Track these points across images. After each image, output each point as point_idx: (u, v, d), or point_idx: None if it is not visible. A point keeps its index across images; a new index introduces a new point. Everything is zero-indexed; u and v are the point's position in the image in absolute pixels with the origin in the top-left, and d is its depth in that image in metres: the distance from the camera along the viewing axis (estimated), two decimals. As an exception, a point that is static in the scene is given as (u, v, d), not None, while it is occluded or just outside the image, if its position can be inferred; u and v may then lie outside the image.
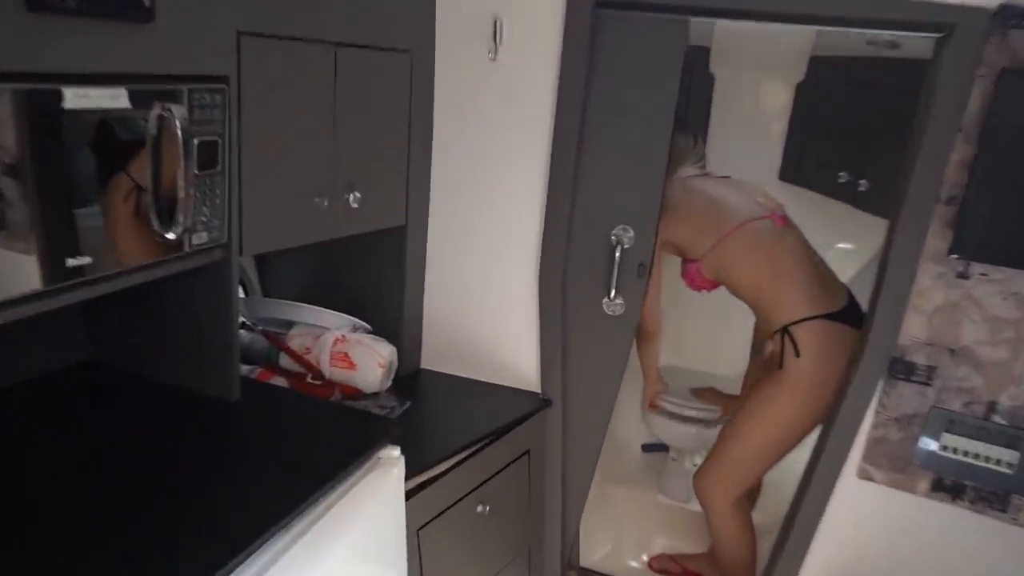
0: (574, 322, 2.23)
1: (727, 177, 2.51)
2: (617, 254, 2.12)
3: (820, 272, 2.29)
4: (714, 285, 2.41)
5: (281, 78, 1.59)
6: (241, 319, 2.11)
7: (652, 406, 2.76)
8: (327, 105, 1.73)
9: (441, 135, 2.14)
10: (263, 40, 1.53)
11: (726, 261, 2.30)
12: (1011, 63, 1.64)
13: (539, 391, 2.28)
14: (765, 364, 2.50)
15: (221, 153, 1.46)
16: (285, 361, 2.04)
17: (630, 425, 3.16)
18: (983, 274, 1.79)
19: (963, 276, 1.81)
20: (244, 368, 1.92)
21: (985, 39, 1.65)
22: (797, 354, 2.20)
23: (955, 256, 1.77)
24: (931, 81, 1.76)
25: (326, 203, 1.77)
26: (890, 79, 2.73)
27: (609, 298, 2.17)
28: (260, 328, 2.07)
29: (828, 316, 2.20)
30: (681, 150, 2.41)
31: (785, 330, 2.22)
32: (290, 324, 2.11)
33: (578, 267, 2.18)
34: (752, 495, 2.68)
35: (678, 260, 2.45)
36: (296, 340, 2.06)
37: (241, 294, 2.22)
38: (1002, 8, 1.63)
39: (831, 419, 2.06)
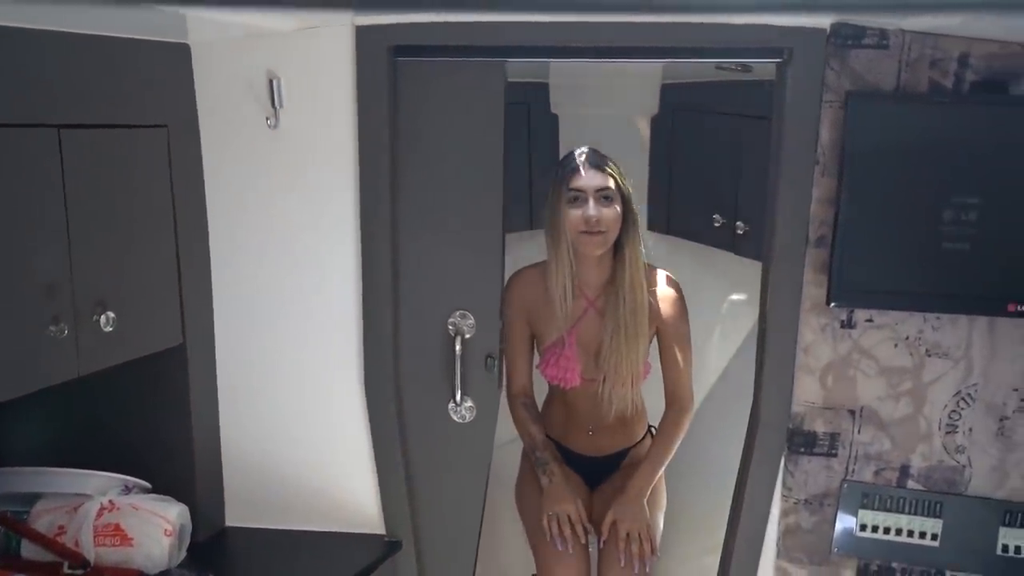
0: (417, 437, 2.23)
1: None
2: (458, 347, 2.15)
3: None
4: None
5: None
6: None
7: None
8: (55, 205, 1.68)
9: (220, 226, 2.13)
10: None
11: None
12: (855, 85, 1.85)
13: (383, 532, 2.25)
14: None
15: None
16: (29, 550, 1.91)
17: (514, 549, 3.14)
18: (869, 320, 1.96)
19: (848, 325, 1.97)
20: (-32, 569, 1.77)
21: (824, 61, 1.86)
22: None
23: (835, 305, 1.93)
24: (779, 110, 1.95)
25: (66, 331, 1.70)
26: (749, 105, 2.99)
27: (456, 402, 2.19)
28: (-9, 509, 1.93)
29: None
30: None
31: None
32: (34, 498, 1.98)
33: (412, 369, 2.19)
34: None
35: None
36: (44, 518, 1.93)
37: (-40, 465, 2.07)
38: (835, 28, 1.84)
39: (734, 513, 2.15)
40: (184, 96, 2.03)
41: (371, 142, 2.05)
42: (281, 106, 2.03)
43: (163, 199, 1.97)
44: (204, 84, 2.05)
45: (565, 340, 2.40)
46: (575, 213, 2.28)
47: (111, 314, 1.78)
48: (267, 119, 2.04)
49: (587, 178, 2.28)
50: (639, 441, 2.61)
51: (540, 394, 2.61)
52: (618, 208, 2.30)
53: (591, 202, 2.27)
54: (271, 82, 2.02)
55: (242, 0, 1.78)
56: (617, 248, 2.34)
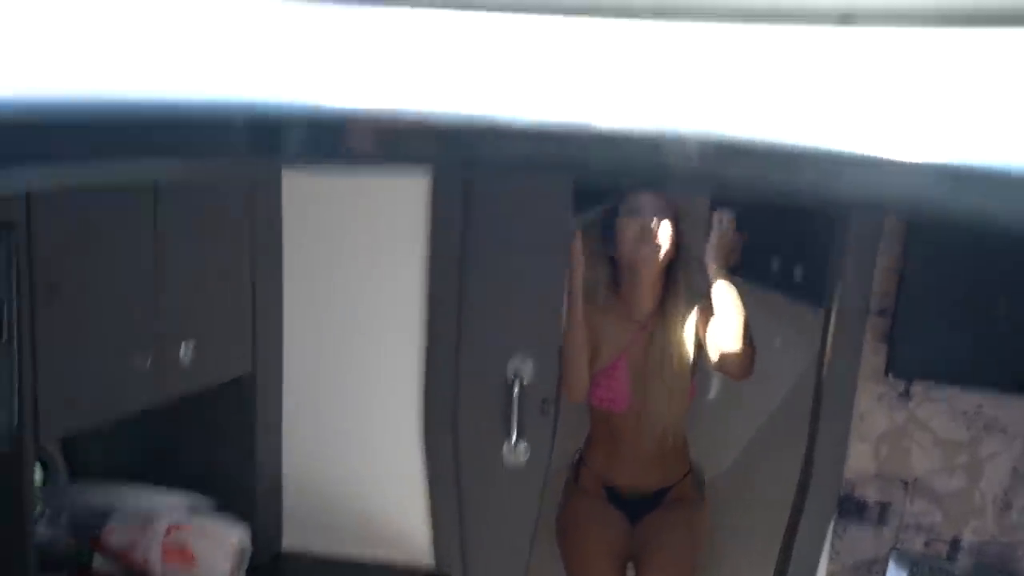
0: (471, 475, 2.27)
1: None
2: (516, 391, 2.20)
3: None
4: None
5: (86, 220, 1.61)
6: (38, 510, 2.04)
7: None
8: (147, 245, 1.76)
9: (293, 262, 2.20)
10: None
11: None
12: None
13: (432, 565, 2.29)
14: None
15: (5, 318, 1.45)
16: (101, 564, 1.97)
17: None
18: (926, 392, 1.97)
19: (905, 396, 1.98)
20: (44, 580, 1.84)
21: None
22: None
23: (893, 376, 1.94)
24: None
25: (150, 362, 1.77)
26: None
27: (510, 443, 2.24)
28: (65, 522, 2.01)
29: None
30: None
31: None
32: (107, 513, 2.05)
33: (470, 409, 2.24)
34: None
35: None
36: (116, 534, 2.00)
37: (39, 478, 2.16)
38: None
39: (779, 573, 2.17)
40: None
41: (443, 185, 2.10)
42: (358, 150, 2.10)
43: (243, 237, 2.05)
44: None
45: (615, 363, 2.44)
46: (631, 222, 2.34)
47: (191, 343, 1.86)
48: (345, 162, 2.11)
49: (645, 197, 2.35)
50: (681, 479, 2.61)
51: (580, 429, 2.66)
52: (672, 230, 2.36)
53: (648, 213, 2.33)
54: (350, 126, 2.09)
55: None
56: (669, 275, 2.41)
